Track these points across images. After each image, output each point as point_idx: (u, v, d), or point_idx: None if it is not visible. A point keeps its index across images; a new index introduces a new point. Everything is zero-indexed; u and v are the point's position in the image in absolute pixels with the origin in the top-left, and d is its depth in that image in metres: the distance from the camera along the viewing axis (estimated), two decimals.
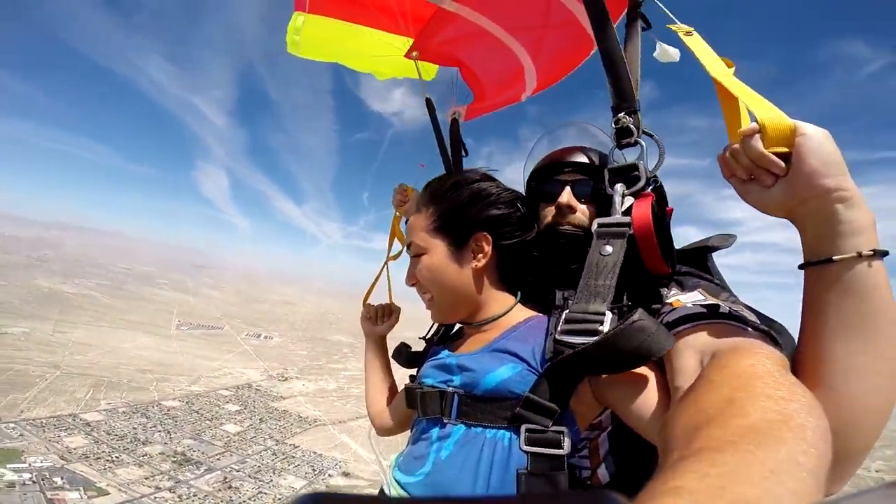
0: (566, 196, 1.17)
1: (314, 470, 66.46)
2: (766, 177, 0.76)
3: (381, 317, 1.69)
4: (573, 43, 1.82)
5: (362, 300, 1.77)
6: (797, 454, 0.41)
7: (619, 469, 0.94)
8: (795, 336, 0.78)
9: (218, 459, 63.67)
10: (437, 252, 1.13)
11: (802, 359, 0.72)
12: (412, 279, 1.19)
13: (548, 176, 1.25)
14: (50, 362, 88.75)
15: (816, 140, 0.70)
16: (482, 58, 2.02)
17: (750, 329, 0.74)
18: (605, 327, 0.82)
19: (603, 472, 0.94)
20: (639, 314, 0.77)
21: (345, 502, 0.24)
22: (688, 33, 1.11)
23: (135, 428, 69.13)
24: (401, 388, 1.38)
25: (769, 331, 0.76)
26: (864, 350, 0.65)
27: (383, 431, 1.52)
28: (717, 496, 0.35)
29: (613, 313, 0.85)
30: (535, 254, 1.21)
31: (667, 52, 1.36)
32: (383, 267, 1.85)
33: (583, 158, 1.23)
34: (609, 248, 0.92)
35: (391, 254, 1.90)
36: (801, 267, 0.75)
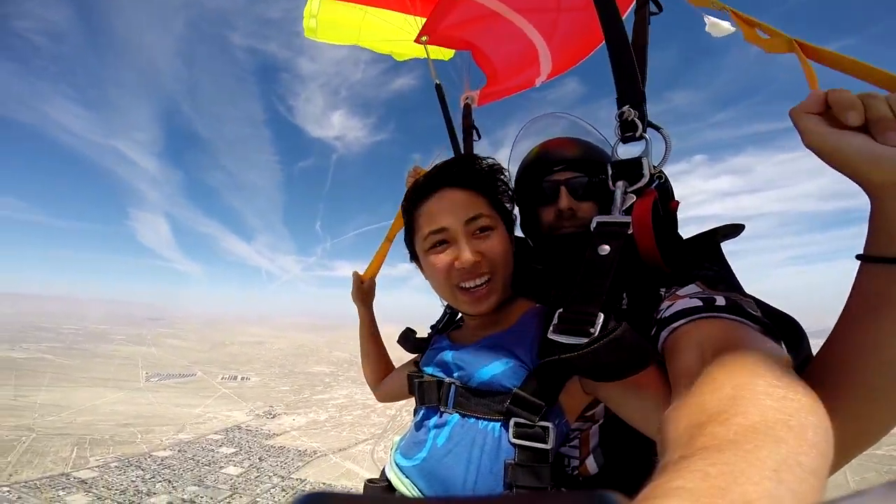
0: (565, 200, 1.12)
1: None
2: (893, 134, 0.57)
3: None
4: (588, 27, 1.76)
5: (365, 273, 1.79)
6: (799, 454, 0.41)
7: (608, 461, 0.93)
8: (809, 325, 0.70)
9: (228, 503, 61.51)
10: (503, 232, 1.08)
11: (826, 358, 0.66)
12: (476, 256, 1.02)
13: (538, 175, 1.19)
14: (21, 426, 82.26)
15: None
16: (494, 41, 1.95)
17: (750, 323, 0.72)
18: (596, 329, 0.78)
19: (591, 463, 0.94)
20: (621, 330, 0.73)
21: (346, 502, 0.23)
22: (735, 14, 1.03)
23: (133, 481, 64.55)
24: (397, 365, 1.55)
25: (770, 325, 0.73)
26: (891, 372, 0.59)
27: (382, 397, 1.65)
28: (719, 496, 0.35)
29: (608, 315, 0.80)
30: (538, 256, 1.20)
31: (719, 26, 1.21)
32: (388, 246, 1.79)
33: (573, 152, 1.17)
34: (606, 248, 0.86)
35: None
36: (858, 257, 0.64)
